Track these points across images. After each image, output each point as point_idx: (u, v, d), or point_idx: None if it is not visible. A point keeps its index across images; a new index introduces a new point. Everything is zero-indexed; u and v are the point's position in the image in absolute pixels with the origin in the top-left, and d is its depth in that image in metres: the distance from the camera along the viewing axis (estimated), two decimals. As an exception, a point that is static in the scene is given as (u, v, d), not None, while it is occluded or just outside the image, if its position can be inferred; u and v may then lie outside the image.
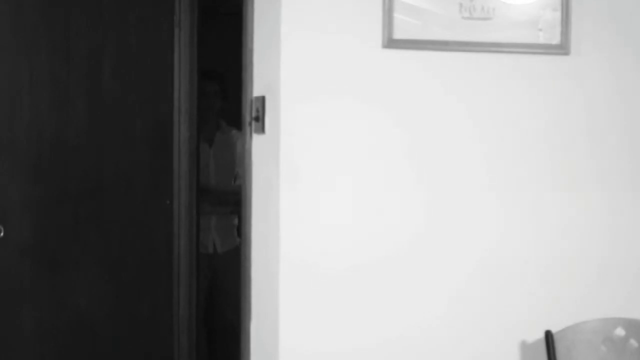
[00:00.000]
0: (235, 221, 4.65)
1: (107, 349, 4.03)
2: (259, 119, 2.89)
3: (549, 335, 2.74)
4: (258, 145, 2.96)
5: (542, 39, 2.84)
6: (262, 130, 2.88)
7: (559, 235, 2.90)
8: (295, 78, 2.73)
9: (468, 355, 2.86)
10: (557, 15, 2.83)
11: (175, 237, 4.16)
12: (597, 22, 2.87)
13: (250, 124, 2.98)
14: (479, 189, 2.85)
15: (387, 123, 2.79)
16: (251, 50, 2.97)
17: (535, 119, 2.87)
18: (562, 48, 2.84)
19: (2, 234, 3.77)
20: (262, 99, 2.87)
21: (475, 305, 2.86)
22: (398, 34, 2.76)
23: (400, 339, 2.82)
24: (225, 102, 4.58)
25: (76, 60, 3.93)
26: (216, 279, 4.64)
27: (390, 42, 2.76)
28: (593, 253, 2.92)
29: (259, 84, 2.94)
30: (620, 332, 2.80)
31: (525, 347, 2.87)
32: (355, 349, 2.79)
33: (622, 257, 2.94)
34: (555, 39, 2.84)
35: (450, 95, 2.83)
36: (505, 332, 2.87)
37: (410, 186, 2.81)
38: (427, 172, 2.82)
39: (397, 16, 2.75)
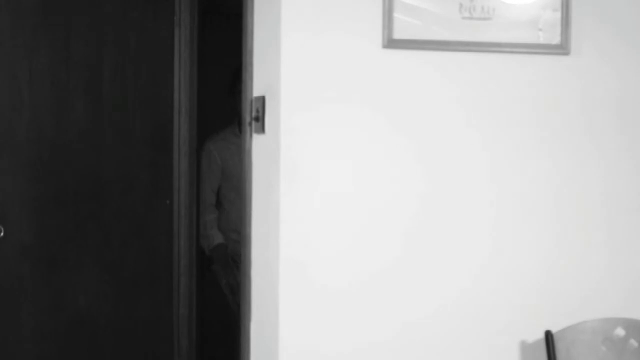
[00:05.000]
0: None
1: (107, 348, 4.04)
2: (259, 119, 2.89)
3: (549, 335, 2.74)
4: (258, 145, 2.96)
5: (542, 39, 2.84)
6: (262, 130, 2.89)
7: (559, 235, 2.90)
8: (296, 78, 2.73)
9: (468, 355, 2.86)
10: (557, 15, 2.83)
11: (175, 237, 4.17)
12: (597, 22, 2.87)
13: (250, 124, 2.98)
14: (479, 189, 2.85)
15: (387, 123, 2.79)
16: (251, 50, 2.97)
17: (535, 119, 2.87)
18: (562, 48, 2.84)
19: (2, 234, 3.78)
20: (262, 99, 2.87)
21: (475, 305, 2.86)
22: (398, 34, 2.76)
23: (400, 338, 2.82)
24: None
25: (76, 60, 3.94)
26: None
27: (390, 42, 2.76)
28: (593, 253, 2.92)
29: (259, 84, 2.94)
30: (620, 332, 2.80)
31: (525, 347, 2.87)
32: (355, 348, 2.79)
33: (622, 257, 2.94)
34: (556, 39, 2.84)
35: (451, 96, 2.83)
36: (505, 332, 2.87)
37: (411, 186, 2.81)
38: (428, 172, 2.82)
39: (397, 16, 2.75)
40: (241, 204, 3.95)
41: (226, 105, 4.37)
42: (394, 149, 2.80)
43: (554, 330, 2.75)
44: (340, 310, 2.78)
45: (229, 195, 4.40)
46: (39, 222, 3.89)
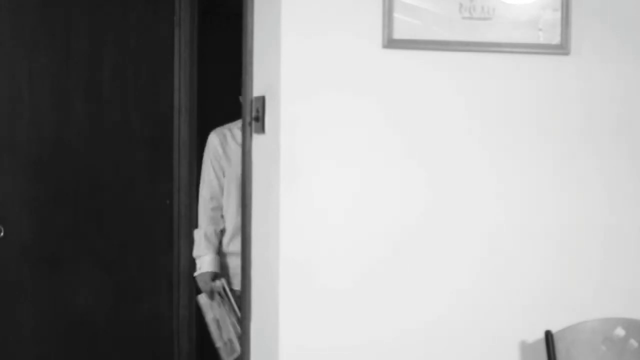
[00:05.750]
0: None
1: (107, 348, 4.04)
2: (259, 118, 2.89)
3: (548, 335, 2.74)
4: (258, 145, 2.96)
5: (542, 39, 2.84)
6: (262, 130, 2.89)
7: (559, 235, 2.90)
8: (296, 78, 2.73)
9: (468, 355, 2.86)
10: (557, 15, 2.83)
11: (175, 237, 4.16)
12: (597, 22, 2.87)
13: (250, 124, 2.98)
14: (479, 188, 2.85)
15: (388, 123, 2.79)
16: (251, 51, 2.97)
17: (535, 118, 2.87)
18: (562, 48, 2.84)
19: (2, 233, 3.78)
20: (262, 99, 2.87)
21: (475, 305, 2.86)
22: (398, 34, 2.76)
23: (400, 338, 2.82)
24: None
25: (76, 60, 3.94)
26: None
27: (390, 42, 2.76)
28: (593, 253, 2.92)
29: (259, 84, 2.94)
30: (620, 332, 2.80)
31: (525, 347, 2.87)
32: (355, 348, 2.79)
33: (622, 257, 2.94)
34: (556, 39, 2.84)
35: (450, 95, 2.83)
36: (505, 332, 2.87)
37: (411, 186, 2.81)
38: (428, 172, 2.82)
39: (397, 16, 2.75)
40: (243, 216, 3.85)
41: (226, 105, 4.37)
42: (394, 149, 2.80)
43: (554, 330, 2.75)
44: (341, 310, 2.78)
45: (227, 204, 3.96)
46: (39, 222, 3.89)
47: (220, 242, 3.95)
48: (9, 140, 3.83)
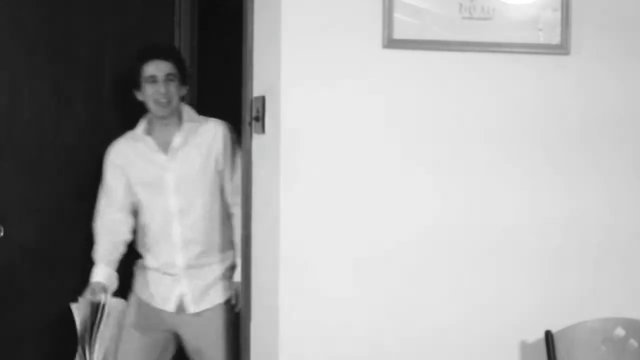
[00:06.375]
0: None
1: (107, 349, 4.03)
2: (259, 119, 2.89)
3: (549, 335, 2.74)
4: (258, 145, 2.96)
5: (542, 39, 2.84)
6: (262, 130, 2.89)
7: (559, 236, 2.90)
8: (296, 78, 2.73)
9: (468, 355, 2.86)
10: (557, 15, 2.83)
11: (175, 237, 4.14)
12: (597, 22, 2.88)
13: (250, 124, 2.98)
14: (479, 189, 2.85)
15: (388, 123, 2.80)
16: (251, 50, 2.97)
17: (535, 118, 2.87)
18: (562, 48, 2.85)
19: (2, 233, 3.77)
20: (262, 99, 2.87)
21: (475, 305, 2.86)
22: (398, 34, 2.76)
23: (400, 340, 2.82)
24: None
25: (76, 60, 3.94)
26: None
27: (390, 42, 2.76)
28: (593, 253, 2.92)
29: (259, 84, 2.94)
30: (620, 332, 2.80)
31: (525, 347, 2.87)
32: (355, 349, 2.79)
33: (623, 257, 2.94)
34: (556, 39, 2.84)
35: (450, 96, 2.83)
36: (505, 332, 2.87)
37: (411, 186, 2.81)
38: (428, 172, 2.83)
39: (397, 16, 2.76)
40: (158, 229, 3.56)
41: (225, 105, 4.37)
42: (394, 149, 2.80)
43: (554, 330, 2.75)
44: (340, 310, 2.78)
45: (146, 217, 3.69)
46: (39, 222, 3.89)
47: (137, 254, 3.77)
48: (9, 141, 3.83)
